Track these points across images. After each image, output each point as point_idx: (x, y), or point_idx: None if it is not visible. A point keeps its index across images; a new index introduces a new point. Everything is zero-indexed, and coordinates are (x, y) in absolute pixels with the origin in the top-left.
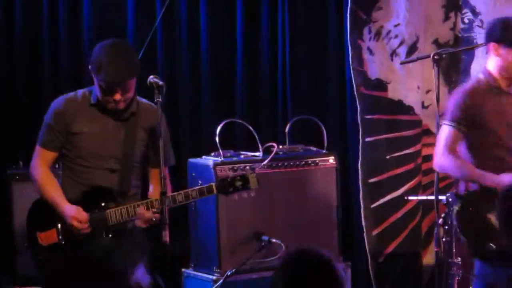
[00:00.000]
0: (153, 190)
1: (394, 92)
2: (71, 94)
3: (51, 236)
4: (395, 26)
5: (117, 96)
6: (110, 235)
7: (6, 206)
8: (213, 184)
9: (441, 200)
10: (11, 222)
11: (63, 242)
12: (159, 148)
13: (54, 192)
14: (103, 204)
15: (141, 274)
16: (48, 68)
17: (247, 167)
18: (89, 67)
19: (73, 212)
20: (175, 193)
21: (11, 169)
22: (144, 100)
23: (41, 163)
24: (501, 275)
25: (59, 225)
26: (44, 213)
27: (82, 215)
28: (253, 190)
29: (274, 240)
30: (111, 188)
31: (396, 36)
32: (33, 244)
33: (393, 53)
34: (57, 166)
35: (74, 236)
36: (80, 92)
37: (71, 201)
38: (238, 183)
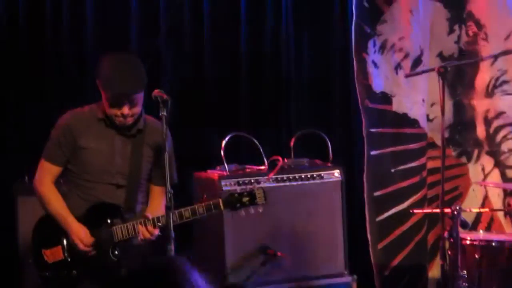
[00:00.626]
0: (149, 207)
1: (399, 105)
2: (78, 109)
3: (56, 253)
4: (400, 39)
5: (125, 110)
6: (116, 252)
7: (11, 220)
8: (220, 200)
9: (446, 213)
10: (16, 236)
11: (68, 259)
12: (163, 164)
13: (60, 207)
14: (109, 221)
15: None
16: (52, 78)
17: (254, 183)
18: (96, 81)
19: (79, 233)
20: (182, 209)
21: (17, 183)
22: (151, 118)
23: (45, 177)
24: None
25: (65, 242)
26: (49, 230)
27: (88, 238)
28: (260, 206)
29: (279, 254)
30: (117, 204)
31: (400, 49)
32: (39, 261)
33: (398, 66)
34: (61, 181)
35: (79, 253)
36: (87, 107)
37: (77, 217)
38: (245, 199)
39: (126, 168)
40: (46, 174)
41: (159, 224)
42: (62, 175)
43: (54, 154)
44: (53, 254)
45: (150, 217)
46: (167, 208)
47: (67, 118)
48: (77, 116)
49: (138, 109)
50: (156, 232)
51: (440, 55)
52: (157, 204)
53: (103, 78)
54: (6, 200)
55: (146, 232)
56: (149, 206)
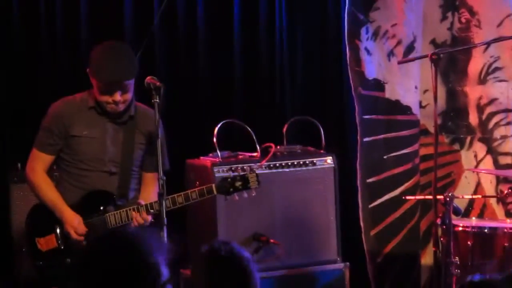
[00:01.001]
0: (142, 193)
1: (391, 92)
2: (69, 97)
3: (50, 241)
4: (392, 26)
5: (117, 97)
6: None
7: (5, 208)
8: (213, 184)
9: (439, 200)
10: (10, 225)
11: (62, 247)
12: (155, 150)
13: (53, 196)
14: (101, 208)
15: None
16: (46, 69)
17: (247, 167)
18: (88, 69)
19: (73, 222)
20: (175, 195)
21: (10, 171)
22: (141, 105)
23: (38, 166)
24: None
25: (58, 230)
26: (43, 218)
27: (81, 226)
28: (253, 190)
29: (272, 241)
30: (110, 192)
31: (393, 36)
32: (32, 250)
33: (391, 53)
34: (54, 167)
35: (73, 241)
36: (78, 95)
37: (70, 205)
38: (238, 183)
39: (118, 155)
40: (38, 163)
41: (151, 210)
42: (55, 164)
43: (46, 143)
44: (47, 243)
45: (143, 203)
46: (160, 195)
47: (58, 107)
48: (68, 104)
49: (129, 96)
50: (149, 218)
51: (433, 42)
52: (150, 190)
53: (95, 65)
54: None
55: (139, 219)
56: (142, 192)
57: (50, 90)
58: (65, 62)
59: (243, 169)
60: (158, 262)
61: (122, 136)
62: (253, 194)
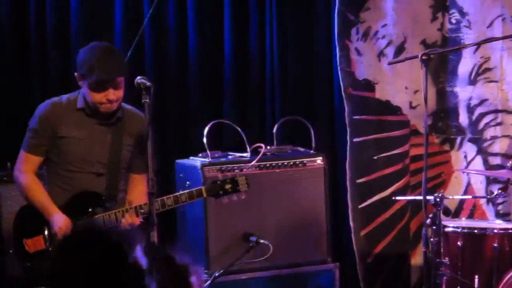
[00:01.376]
0: (131, 195)
1: (382, 93)
2: (56, 98)
3: (38, 243)
4: (383, 26)
5: (110, 94)
6: None
7: None
8: (203, 187)
9: (429, 200)
10: (0, 225)
11: (50, 249)
12: (144, 152)
13: (42, 197)
14: (90, 210)
15: (139, 254)
16: (35, 70)
17: (236, 170)
18: (77, 72)
19: (61, 223)
20: (164, 197)
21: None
22: (129, 106)
23: (26, 167)
24: None
25: (46, 231)
26: (31, 219)
27: (69, 228)
28: (243, 193)
29: (262, 241)
30: (99, 193)
31: (383, 37)
32: (20, 251)
33: (381, 54)
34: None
35: None
36: (64, 97)
37: (58, 206)
38: (228, 186)
39: (106, 157)
40: (26, 164)
41: (141, 211)
42: (43, 165)
43: (33, 145)
44: (35, 244)
45: (133, 205)
46: (150, 194)
47: (46, 108)
48: (55, 105)
49: (121, 93)
50: (138, 220)
51: (423, 43)
52: (139, 191)
53: (86, 65)
54: None
55: (129, 220)
56: (129, 194)
57: (40, 89)
58: (55, 63)
59: (233, 171)
60: (136, 253)
61: (110, 137)
62: (243, 197)
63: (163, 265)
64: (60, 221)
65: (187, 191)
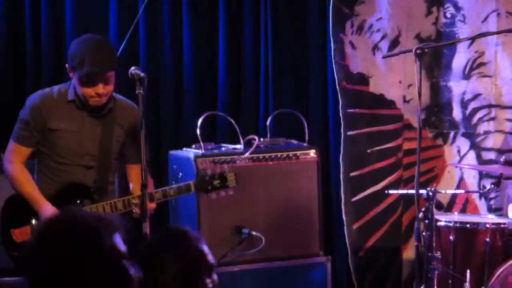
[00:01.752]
0: (134, 187)
1: (375, 86)
2: (47, 90)
3: (25, 233)
4: (377, 20)
5: (99, 89)
6: None
7: None
8: (191, 182)
9: (421, 194)
10: None
11: None
12: (138, 142)
13: (31, 188)
14: (78, 201)
15: (118, 240)
16: (29, 61)
17: (225, 166)
18: (67, 64)
19: (49, 214)
20: (153, 191)
21: None
22: (120, 97)
23: (15, 158)
24: None
25: (34, 221)
26: (19, 209)
27: None
28: (231, 189)
29: (254, 233)
30: (87, 185)
31: (378, 30)
32: (7, 241)
33: (375, 47)
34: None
35: None
36: (55, 88)
37: (47, 198)
38: (217, 182)
39: (95, 149)
40: (16, 155)
41: (133, 201)
42: (33, 156)
43: (23, 136)
44: (22, 234)
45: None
46: (143, 186)
47: (36, 99)
48: (46, 97)
49: (111, 87)
50: (154, 206)
51: (418, 37)
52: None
53: (77, 58)
54: None
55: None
56: (135, 184)
57: (33, 81)
58: (48, 55)
59: (226, 163)
60: (115, 238)
61: (100, 129)
62: (231, 193)
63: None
64: (48, 212)
65: (175, 185)
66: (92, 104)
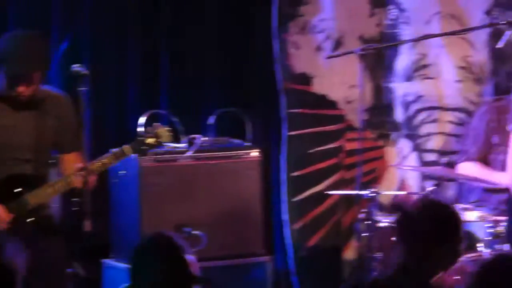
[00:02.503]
0: (68, 171)
1: (318, 87)
2: None
3: None
4: (321, 20)
5: (21, 89)
6: (32, 218)
7: None
8: (126, 145)
9: (362, 195)
10: None
11: None
12: (71, 130)
13: None
14: (16, 191)
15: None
16: None
17: (172, 160)
18: None
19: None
20: (92, 163)
21: None
22: (47, 87)
23: None
24: None
25: None
26: None
27: (5, 215)
28: (166, 145)
29: (195, 232)
30: (24, 174)
31: (321, 31)
32: None
33: (318, 48)
34: None
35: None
36: None
37: None
38: (151, 140)
39: (31, 141)
40: None
41: (81, 173)
42: None
43: None
44: None
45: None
46: (83, 169)
47: None
48: None
49: (35, 87)
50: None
51: (361, 38)
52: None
53: (1, 54)
54: None
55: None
56: (68, 170)
57: None
58: None
59: (168, 161)
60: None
61: (33, 121)
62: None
63: None
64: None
65: (112, 152)
66: (15, 97)
